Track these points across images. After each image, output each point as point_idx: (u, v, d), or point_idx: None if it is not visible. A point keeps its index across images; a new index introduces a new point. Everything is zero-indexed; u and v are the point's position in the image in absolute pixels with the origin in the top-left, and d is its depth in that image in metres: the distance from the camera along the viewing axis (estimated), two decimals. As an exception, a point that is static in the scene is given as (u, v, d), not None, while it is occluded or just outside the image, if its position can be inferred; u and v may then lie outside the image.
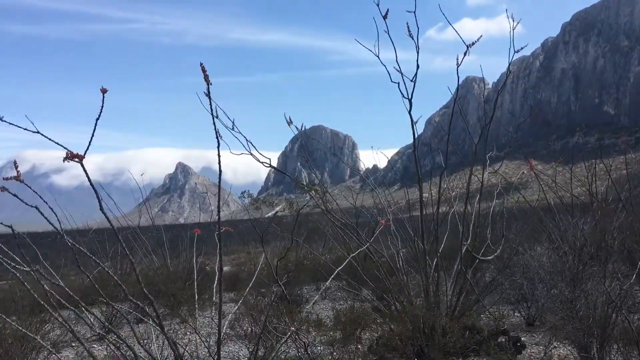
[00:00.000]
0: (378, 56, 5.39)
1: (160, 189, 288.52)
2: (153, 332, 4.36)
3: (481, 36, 5.50)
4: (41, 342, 3.60)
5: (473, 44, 5.27)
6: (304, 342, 3.90)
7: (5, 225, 3.62)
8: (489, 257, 6.54)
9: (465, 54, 5.36)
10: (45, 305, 3.33)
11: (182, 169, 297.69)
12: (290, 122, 5.45)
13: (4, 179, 2.85)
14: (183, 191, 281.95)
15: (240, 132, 4.75)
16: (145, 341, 3.95)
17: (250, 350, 4.28)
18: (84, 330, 8.39)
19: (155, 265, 12.42)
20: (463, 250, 6.24)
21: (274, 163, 6.06)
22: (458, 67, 5.55)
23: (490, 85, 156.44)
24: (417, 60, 5.46)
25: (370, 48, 5.36)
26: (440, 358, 5.14)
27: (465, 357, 5.68)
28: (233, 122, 4.37)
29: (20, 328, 3.79)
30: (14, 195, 3.02)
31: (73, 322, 8.84)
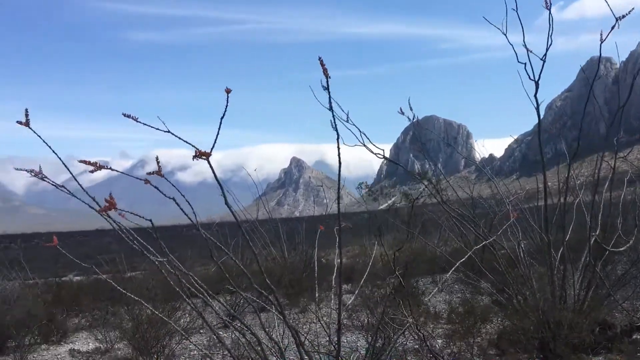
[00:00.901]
0: (505, 34, 5.18)
1: (275, 183, 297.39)
2: (276, 320, 4.50)
3: (633, 9, 4.97)
4: (176, 327, 3.84)
5: (623, 16, 4.82)
6: (422, 334, 3.85)
7: (146, 219, 3.88)
8: (621, 249, 6.08)
9: (613, 27, 4.90)
10: (181, 293, 3.55)
11: (297, 164, 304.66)
12: (402, 113, 5.38)
13: (147, 174, 3.05)
14: (298, 185, 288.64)
15: (354, 124, 4.77)
16: (267, 329, 4.10)
17: (369, 341, 4.30)
18: (210, 318, 8.86)
19: (273, 256, 12.83)
20: (591, 242, 5.85)
21: (386, 155, 6.02)
22: (602, 43, 5.08)
23: (618, 66, 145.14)
24: (550, 35, 5.12)
25: (494, 28, 5.17)
26: (568, 354, 4.86)
27: (595, 354, 5.34)
28: (347, 114, 4.39)
29: (158, 313, 4.06)
30: (155, 187, 3.23)
31: (201, 310, 9.39)
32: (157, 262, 3.48)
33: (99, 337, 7.52)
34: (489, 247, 6.50)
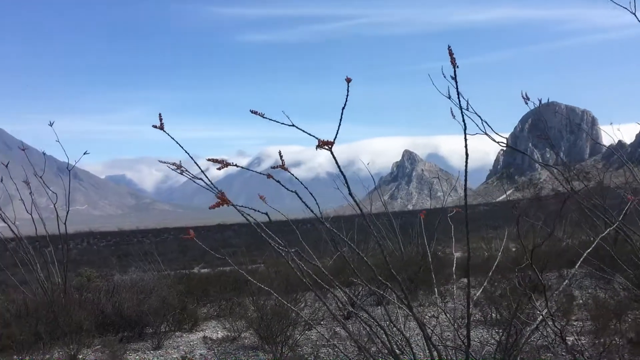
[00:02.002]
0: (634, 13, 4.79)
1: (388, 177, 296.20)
2: (400, 314, 4.48)
3: None
4: (301, 315, 3.93)
5: None
6: (559, 329, 3.65)
7: (262, 213, 4.01)
8: None
9: None
10: (309, 284, 3.64)
11: (409, 157, 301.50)
12: (527, 99, 5.14)
13: (271, 168, 3.16)
14: (410, 178, 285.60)
15: (475, 112, 4.62)
16: (387, 323, 4.08)
17: (500, 335, 4.15)
18: (328, 310, 9.02)
19: (389, 250, 12.80)
20: None
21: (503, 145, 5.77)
22: None
23: None
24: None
25: (619, 7, 4.79)
26: None
27: None
28: (467, 102, 4.26)
29: (286, 302, 4.19)
30: (277, 181, 3.34)
31: (321, 301, 9.58)
32: (288, 255, 3.58)
33: (226, 326, 7.89)
34: (625, 239, 6.05)
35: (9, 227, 8.56)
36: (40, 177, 8.61)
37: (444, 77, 3.25)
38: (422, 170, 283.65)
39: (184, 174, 3.34)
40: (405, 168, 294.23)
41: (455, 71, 3.19)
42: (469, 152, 3.88)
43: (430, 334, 3.39)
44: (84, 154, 8.49)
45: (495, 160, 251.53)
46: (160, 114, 3.08)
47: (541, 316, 3.56)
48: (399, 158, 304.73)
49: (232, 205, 3.17)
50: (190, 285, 10.60)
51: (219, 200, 3.01)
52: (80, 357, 6.98)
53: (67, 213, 8.59)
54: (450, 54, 3.11)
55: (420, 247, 12.50)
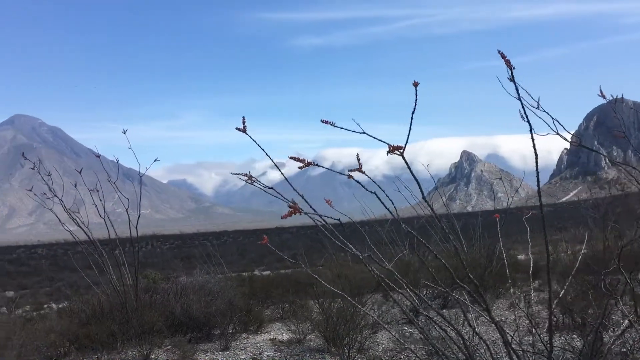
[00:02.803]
0: None
1: (446, 178, 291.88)
2: (472, 318, 4.40)
3: None
4: (373, 316, 3.91)
5: None
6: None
7: (335, 219, 4.02)
8: None
9: None
10: (385, 285, 3.62)
11: (467, 157, 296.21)
12: (602, 96, 4.93)
13: (349, 171, 3.16)
14: (469, 179, 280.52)
15: (545, 111, 4.49)
16: (449, 326, 4.01)
17: (584, 340, 4.01)
18: (388, 314, 8.95)
19: (450, 252, 12.59)
20: None
21: (566, 144, 5.58)
22: None
23: None
24: None
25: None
26: None
27: None
28: (538, 102, 4.14)
29: (354, 303, 4.19)
30: (357, 182, 3.34)
31: (383, 305, 9.52)
32: (362, 257, 3.58)
33: (292, 328, 7.96)
34: None
35: (83, 230, 8.92)
36: (114, 183, 8.95)
37: (508, 79, 3.17)
38: (482, 171, 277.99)
39: (254, 183, 3.39)
40: (464, 169, 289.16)
41: (512, 73, 3.11)
42: (530, 151, 3.78)
43: (510, 339, 3.31)
44: (155, 160, 8.77)
45: (558, 160, 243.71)
46: (243, 118, 3.13)
47: (628, 321, 3.41)
48: (457, 159, 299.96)
49: (305, 213, 3.18)
50: (254, 287, 10.77)
51: (291, 210, 3.03)
52: (153, 356, 7.20)
53: (139, 217, 8.89)
54: (503, 56, 3.04)
55: (483, 250, 12.24)
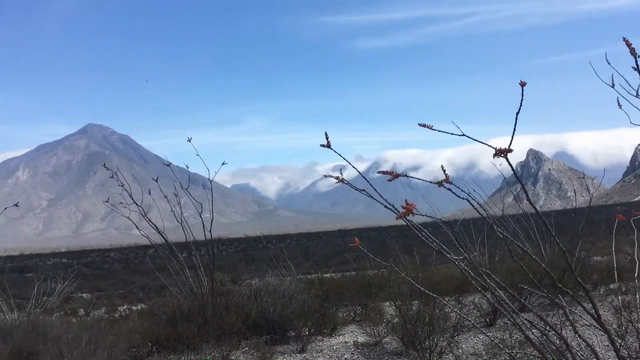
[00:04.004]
0: None
1: (512, 177, 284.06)
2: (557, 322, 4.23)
3: None
4: (467, 317, 3.81)
5: None
6: None
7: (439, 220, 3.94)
8: None
9: None
10: (479, 288, 3.53)
11: (534, 156, 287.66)
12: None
13: (443, 181, 3.11)
14: (536, 178, 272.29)
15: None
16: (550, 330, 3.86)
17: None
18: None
19: (527, 254, 12.20)
20: None
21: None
22: None
23: None
24: None
25: None
26: None
27: None
28: (638, 89, 3.93)
29: (444, 300, 4.11)
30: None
31: (457, 308, 9.33)
32: (455, 260, 3.50)
33: (367, 331, 7.92)
34: None
35: (161, 235, 9.20)
36: (186, 189, 9.21)
37: (633, 68, 3.02)
38: (549, 169, 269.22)
39: (345, 182, 3.37)
40: (531, 168, 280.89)
41: (637, 62, 2.95)
42: (601, 148, 3.61)
43: (619, 347, 3.15)
44: (223, 164, 8.97)
45: (632, 156, 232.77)
46: (326, 133, 3.13)
47: None
48: (523, 157, 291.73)
49: (418, 213, 3.14)
50: (325, 289, 10.78)
51: (405, 210, 2.99)
52: (232, 357, 7.32)
53: (212, 221, 9.09)
54: (628, 44, 2.90)
55: (562, 251, 11.80)
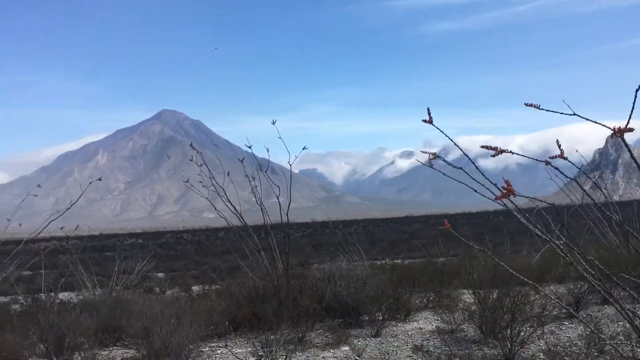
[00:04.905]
0: None
1: (588, 166, 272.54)
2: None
3: None
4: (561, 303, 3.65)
5: None
6: None
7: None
8: None
9: None
10: (585, 274, 3.38)
11: (614, 143, 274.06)
12: None
13: (550, 157, 2.97)
14: (616, 166, 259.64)
15: None
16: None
17: None
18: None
19: (613, 245, 11.66)
20: None
21: None
22: None
23: None
24: None
25: None
26: None
27: None
28: None
29: (534, 289, 3.96)
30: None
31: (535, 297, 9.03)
32: (557, 245, 3.36)
33: (443, 318, 7.79)
34: None
35: (238, 216, 9.38)
36: (266, 172, 9.34)
37: None
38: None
39: (432, 163, 3.27)
40: (610, 155, 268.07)
41: None
42: None
43: None
44: (303, 149, 9.03)
45: None
46: (428, 109, 3.05)
47: None
48: (601, 145, 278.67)
49: (519, 195, 3.02)
50: (398, 275, 10.69)
51: (505, 191, 2.88)
52: (306, 339, 7.39)
53: (289, 205, 9.17)
54: None
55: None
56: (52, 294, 10.80)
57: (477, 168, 3.24)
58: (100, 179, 9.73)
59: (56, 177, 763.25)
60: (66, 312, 7.40)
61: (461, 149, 3.43)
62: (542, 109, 3.00)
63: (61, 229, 8.77)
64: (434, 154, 3.38)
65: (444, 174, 3.41)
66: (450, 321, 7.60)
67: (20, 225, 8.56)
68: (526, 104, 2.95)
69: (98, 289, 11.51)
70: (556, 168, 3.18)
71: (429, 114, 2.99)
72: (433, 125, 3.03)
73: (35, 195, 9.60)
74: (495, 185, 3.20)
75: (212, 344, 7.67)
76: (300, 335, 7.30)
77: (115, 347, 8.02)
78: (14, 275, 8.63)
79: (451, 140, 3.38)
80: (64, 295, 14.72)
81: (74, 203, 8.31)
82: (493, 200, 3.03)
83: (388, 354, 6.66)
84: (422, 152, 3.39)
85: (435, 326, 7.93)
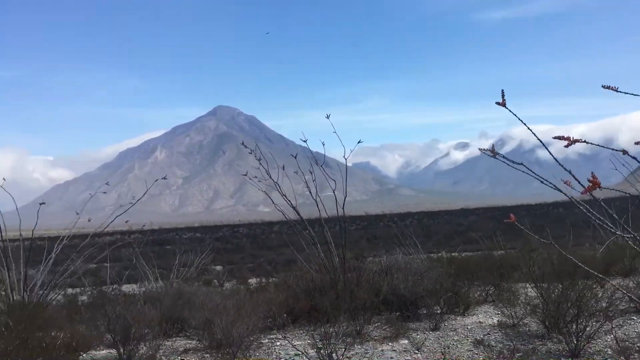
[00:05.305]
0: None
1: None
2: None
3: None
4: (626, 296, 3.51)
5: None
6: None
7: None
8: None
9: None
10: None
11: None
12: None
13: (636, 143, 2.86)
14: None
15: None
16: None
17: None
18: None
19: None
20: None
21: None
22: None
23: None
24: None
25: None
26: None
27: None
28: None
29: (600, 282, 3.82)
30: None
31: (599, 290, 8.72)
32: (629, 238, 3.23)
33: (503, 312, 7.63)
34: None
35: (294, 210, 9.46)
36: (321, 166, 9.37)
37: None
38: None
39: (497, 157, 3.19)
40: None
41: None
42: None
43: None
44: (358, 142, 9.01)
45: None
46: (502, 90, 2.97)
47: None
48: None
49: (606, 187, 2.91)
50: (455, 268, 10.53)
51: (591, 184, 2.78)
52: (364, 332, 7.39)
53: (345, 199, 9.18)
54: None
55: None
56: (118, 286, 11.19)
57: (556, 161, 3.12)
58: (165, 178, 10.02)
59: (118, 173, 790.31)
60: (131, 303, 7.65)
61: (538, 139, 3.33)
62: (620, 92, 2.88)
63: (126, 222, 9.08)
64: (492, 150, 3.29)
65: (511, 161, 3.30)
66: (512, 315, 7.43)
67: (89, 220, 8.91)
68: (604, 87, 2.83)
69: (159, 281, 11.84)
70: (626, 153, 3.04)
71: (503, 96, 2.91)
72: (506, 108, 2.94)
73: (104, 193, 9.97)
74: (574, 175, 3.09)
75: (271, 336, 7.77)
76: (358, 328, 7.30)
77: (178, 338, 8.24)
78: (82, 268, 8.99)
79: (528, 128, 3.27)
80: (127, 287, 15.26)
81: (139, 199, 8.62)
82: (581, 194, 2.92)
83: (448, 347, 6.58)
84: (482, 150, 3.31)
85: (497, 320, 7.77)
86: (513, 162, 3.25)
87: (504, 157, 3.15)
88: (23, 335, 5.38)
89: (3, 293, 7.90)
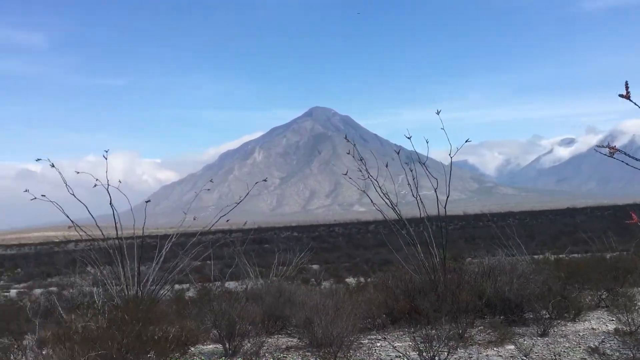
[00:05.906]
0: None
1: None
2: None
3: None
4: None
5: None
6: None
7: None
8: None
9: None
10: None
11: None
12: None
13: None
14: None
15: None
16: None
17: None
18: None
19: None
20: None
21: None
22: None
23: None
24: None
25: None
26: None
27: None
28: None
29: None
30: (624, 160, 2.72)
31: None
32: None
33: (620, 318, 7.13)
34: None
35: (394, 209, 9.36)
36: (423, 164, 9.24)
37: None
38: None
39: (615, 156, 2.96)
40: None
41: None
42: None
43: None
44: (466, 141, 8.76)
45: None
46: (626, 82, 2.77)
47: None
48: None
49: None
50: (564, 271, 9.99)
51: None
52: (467, 335, 7.17)
53: (447, 199, 8.97)
54: None
55: None
56: (221, 283, 11.59)
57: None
58: (265, 180, 10.28)
59: (219, 174, 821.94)
60: (235, 300, 7.89)
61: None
62: None
63: (227, 221, 9.38)
64: (611, 147, 3.04)
65: (627, 154, 3.05)
66: (629, 322, 6.93)
67: (194, 219, 9.31)
68: None
69: (260, 279, 12.14)
70: None
71: (627, 88, 2.69)
72: (631, 100, 2.72)
73: (207, 190, 10.38)
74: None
75: (370, 337, 7.73)
76: (460, 331, 7.10)
77: (280, 335, 8.40)
78: (189, 265, 9.40)
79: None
80: (229, 285, 15.80)
81: (242, 200, 8.89)
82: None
83: (559, 355, 6.24)
84: (597, 148, 3.06)
85: (614, 327, 7.27)
86: (635, 159, 3.00)
87: (625, 154, 2.91)
88: (137, 328, 5.69)
89: (119, 288, 8.41)
